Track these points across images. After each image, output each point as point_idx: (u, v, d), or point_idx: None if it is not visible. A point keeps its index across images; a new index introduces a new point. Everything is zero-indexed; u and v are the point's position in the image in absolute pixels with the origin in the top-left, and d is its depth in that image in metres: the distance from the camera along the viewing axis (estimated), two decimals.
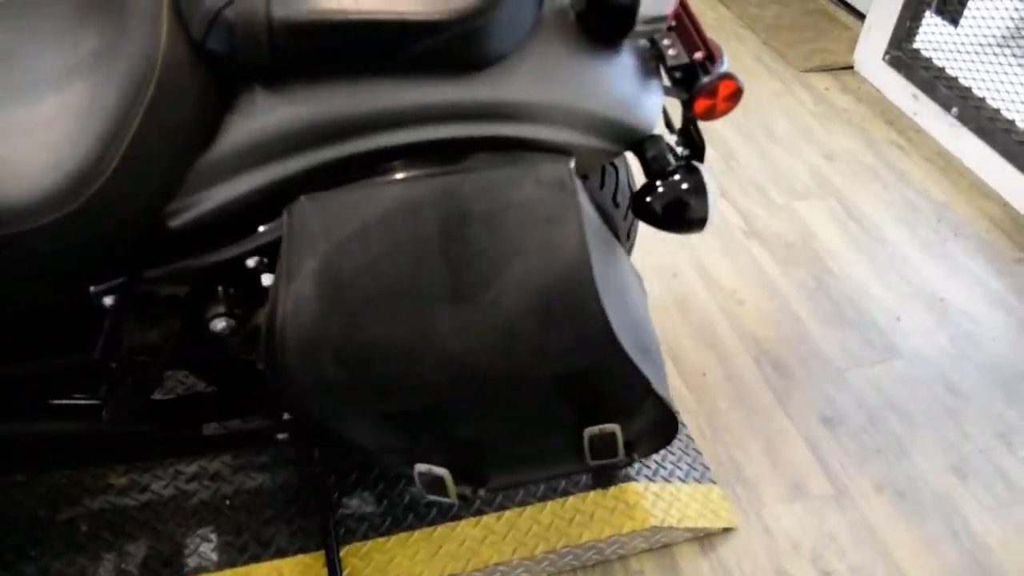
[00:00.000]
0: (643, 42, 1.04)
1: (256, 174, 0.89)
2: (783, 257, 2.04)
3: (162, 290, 0.95)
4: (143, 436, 1.11)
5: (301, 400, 0.88)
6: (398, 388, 0.87)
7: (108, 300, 0.92)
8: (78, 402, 1.12)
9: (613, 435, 0.96)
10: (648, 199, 1.01)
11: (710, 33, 2.88)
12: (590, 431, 0.96)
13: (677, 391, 1.71)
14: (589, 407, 0.94)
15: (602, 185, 1.15)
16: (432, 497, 0.97)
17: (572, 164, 0.98)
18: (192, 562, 1.37)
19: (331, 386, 0.86)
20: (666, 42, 1.03)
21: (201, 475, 1.49)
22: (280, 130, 0.87)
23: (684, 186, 0.99)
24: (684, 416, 1.66)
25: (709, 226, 1.00)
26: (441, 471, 0.93)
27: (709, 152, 2.37)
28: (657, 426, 1.02)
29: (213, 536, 1.40)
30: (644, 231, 2.08)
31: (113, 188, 0.82)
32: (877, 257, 2.05)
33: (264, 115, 0.87)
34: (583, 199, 0.89)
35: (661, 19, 0.94)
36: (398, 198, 0.84)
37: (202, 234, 0.92)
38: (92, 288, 0.91)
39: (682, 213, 1.00)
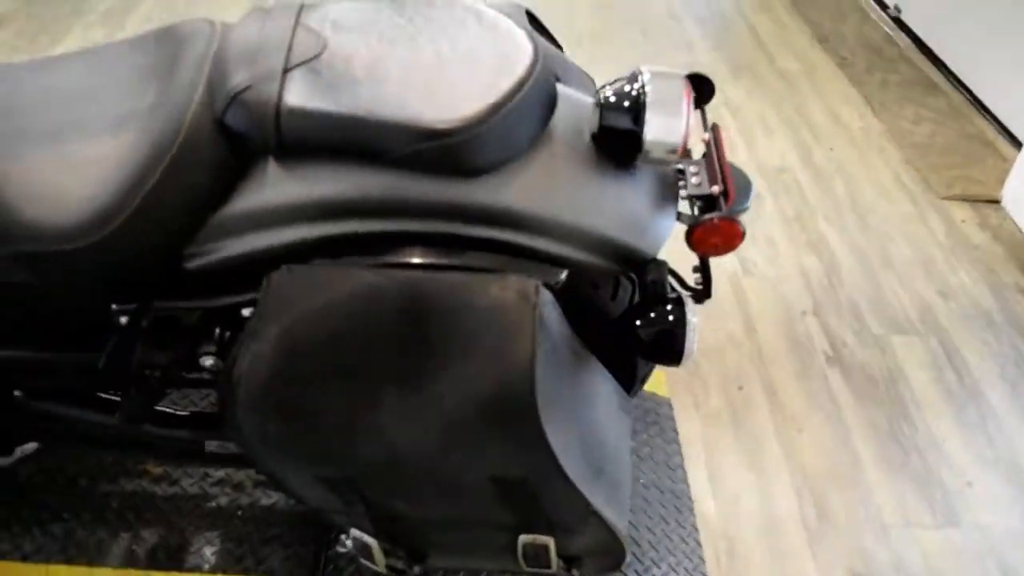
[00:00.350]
0: (673, 167, 1.05)
1: (263, 236, 0.98)
2: (861, 391, 1.92)
3: (180, 318, 1.06)
4: (151, 440, 1.22)
5: (248, 450, 0.95)
6: (334, 458, 0.92)
7: (123, 319, 1.03)
8: (111, 397, 1.25)
9: (546, 548, 0.96)
10: (637, 322, 1.01)
11: (850, 144, 2.78)
12: (524, 538, 0.96)
13: (705, 511, 1.65)
14: (523, 515, 0.95)
15: (614, 296, 1.15)
16: (364, 562, 1.00)
17: (562, 276, 0.99)
18: (191, 560, 1.47)
19: (272, 443, 0.92)
20: (692, 169, 1.03)
21: (226, 482, 1.60)
22: (286, 202, 0.95)
23: (670, 318, 0.98)
24: (702, 537, 1.60)
25: (686, 362, 0.98)
26: (370, 540, 0.96)
27: (810, 261, 2.28)
28: (603, 548, 1.00)
29: (217, 541, 1.50)
30: (716, 339, 2.03)
31: (130, 227, 0.94)
32: (966, 412, 1.88)
33: (273, 187, 0.95)
34: (550, 314, 0.90)
35: (672, 148, 0.95)
36: (366, 282, 0.89)
37: (214, 279, 1.02)
38: (113, 306, 1.03)
39: (661, 344, 0.98)
